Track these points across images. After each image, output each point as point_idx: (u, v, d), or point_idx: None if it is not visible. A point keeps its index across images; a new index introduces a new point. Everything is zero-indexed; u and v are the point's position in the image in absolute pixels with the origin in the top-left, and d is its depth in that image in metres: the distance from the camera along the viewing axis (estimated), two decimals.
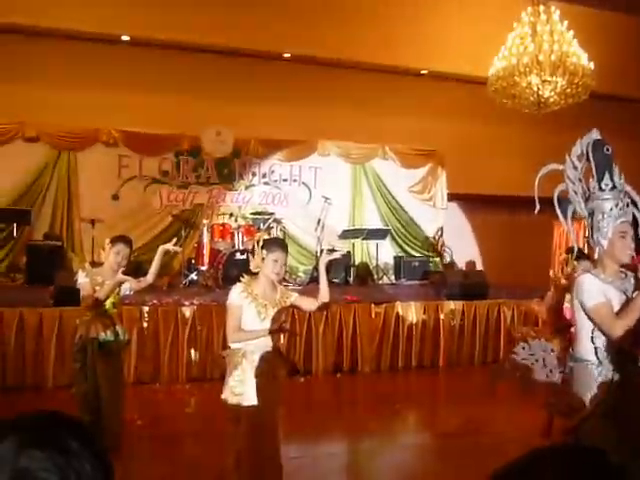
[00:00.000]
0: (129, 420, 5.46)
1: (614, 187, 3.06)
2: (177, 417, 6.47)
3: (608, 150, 3.09)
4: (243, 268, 4.78)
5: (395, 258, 11.74)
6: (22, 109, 10.10)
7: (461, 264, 12.15)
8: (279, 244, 4.02)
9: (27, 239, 10.14)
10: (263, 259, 3.79)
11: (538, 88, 10.20)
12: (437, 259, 12.04)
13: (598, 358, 2.98)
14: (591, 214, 3.10)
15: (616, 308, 2.99)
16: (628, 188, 3.13)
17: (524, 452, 0.91)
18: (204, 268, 9.67)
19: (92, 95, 10.36)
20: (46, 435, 0.81)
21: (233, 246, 9.68)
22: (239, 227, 9.96)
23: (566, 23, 10.20)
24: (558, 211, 3.14)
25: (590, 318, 2.98)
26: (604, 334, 2.95)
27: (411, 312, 8.29)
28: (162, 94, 10.74)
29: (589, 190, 3.12)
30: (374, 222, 12.05)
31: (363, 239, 11.34)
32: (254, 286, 3.80)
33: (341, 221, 11.68)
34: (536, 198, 3.25)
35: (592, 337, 3.00)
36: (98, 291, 4.76)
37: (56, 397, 6.55)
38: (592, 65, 10.07)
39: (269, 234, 10.23)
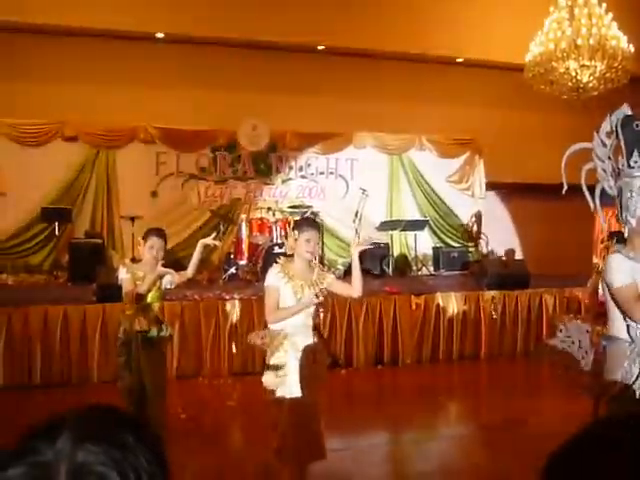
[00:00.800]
0: (173, 414, 5.53)
1: None
2: (220, 410, 6.53)
3: (638, 126, 3.00)
4: None
5: (434, 249, 11.66)
6: (61, 109, 10.26)
7: (501, 254, 12.02)
8: (310, 223, 4.04)
9: (69, 237, 10.30)
10: (296, 240, 3.82)
11: (576, 73, 10.03)
12: (476, 249, 11.92)
13: (630, 336, 2.94)
14: (620, 192, 3.04)
15: None
16: None
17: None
18: (243, 262, 9.72)
19: (129, 93, 10.49)
20: (102, 429, 0.81)
21: (271, 240, 9.71)
22: (277, 221, 9.99)
23: (604, 6, 10.01)
24: (586, 191, 3.08)
25: (613, 299, 2.93)
26: (626, 316, 2.89)
27: (451, 303, 8.23)
28: (197, 90, 10.80)
29: (618, 168, 3.05)
30: (412, 213, 11.98)
31: (401, 230, 11.28)
32: (290, 267, 3.83)
33: (379, 213, 11.63)
34: (564, 179, 3.20)
35: (624, 315, 2.96)
36: (139, 286, 4.80)
37: (101, 392, 6.65)
38: (632, 48, 9.87)
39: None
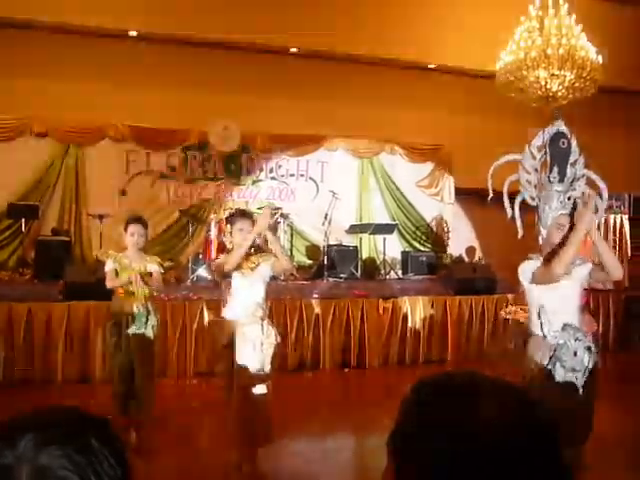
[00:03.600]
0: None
1: (561, 180, 3.16)
2: (185, 411, 6.50)
3: (564, 144, 3.18)
4: None
5: (402, 253, 11.72)
6: (30, 104, 10.12)
7: (467, 258, 12.14)
8: (240, 213, 4.19)
9: (35, 234, 10.17)
10: (230, 233, 3.97)
11: (546, 82, 10.17)
12: (444, 254, 12.01)
13: (543, 332, 3.20)
14: (539, 204, 3.28)
15: (556, 293, 3.19)
16: (588, 173, 3.26)
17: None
18: (212, 263, 9.68)
19: (100, 90, 10.38)
20: (66, 432, 0.81)
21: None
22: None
23: (574, 17, 10.16)
24: (506, 200, 3.27)
25: (539, 284, 3.18)
26: (550, 280, 3.11)
27: (419, 307, 8.29)
28: (170, 89, 10.74)
29: (542, 181, 3.23)
30: (381, 217, 12.03)
31: (370, 234, 11.33)
32: (231, 259, 4.03)
33: (348, 216, 11.66)
34: (489, 187, 3.40)
35: (539, 313, 3.21)
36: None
37: (66, 392, 6.59)
38: (600, 59, 10.04)
39: (276, 229, 10.24)
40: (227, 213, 8.80)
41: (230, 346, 3.93)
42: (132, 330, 5.05)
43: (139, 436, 5.15)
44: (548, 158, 3.23)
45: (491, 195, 3.38)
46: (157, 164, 11.00)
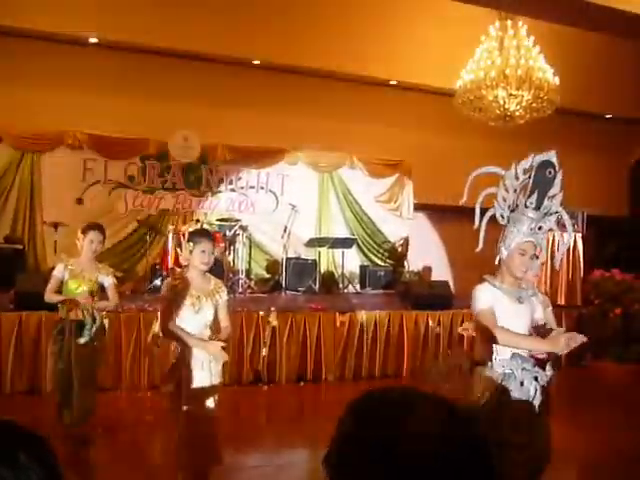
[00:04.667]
0: (88, 428, 5.39)
1: (537, 208, 3.16)
2: (138, 425, 6.40)
3: (550, 173, 3.19)
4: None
5: (361, 267, 11.77)
6: None
7: (426, 274, 12.22)
8: (204, 234, 4.08)
9: None
10: (191, 251, 3.83)
11: (504, 102, 10.36)
12: (403, 269, 12.08)
13: (490, 361, 3.13)
14: (507, 224, 3.22)
15: (508, 314, 3.14)
16: (562, 212, 3.25)
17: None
18: (169, 274, 9.58)
19: (58, 97, 10.23)
20: None
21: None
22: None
23: (532, 39, 10.38)
24: (477, 210, 3.25)
25: (478, 321, 3.11)
26: (488, 339, 3.08)
27: (376, 321, 8.30)
28: (129, 98, 10.64)
29: (517, 204, 3.22)
30: (340, 231, 12.06)
31: (329, 248, 11.35)
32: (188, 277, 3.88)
33: (308, 229, 11.67)
34: (465, 196, 3.37)
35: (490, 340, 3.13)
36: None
37: (14, 403, 6.43)
38: (557, 81, 10.25)
39: (235, 241, 10.20)
40: (191, 229, 8.77)
41: (177, 366, 3.82)
42: (77, 338, 4.97)
43: (81, 449, 5.06)
44: (530, 183, 3.18)
45: (465, 198, 3.36)
46: (115, 173, 10.86)
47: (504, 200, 3.24)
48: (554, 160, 3.23)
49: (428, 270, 12.47)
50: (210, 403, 3.83)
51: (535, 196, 3.16)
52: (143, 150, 10.99)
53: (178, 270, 3.97)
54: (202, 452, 3.79)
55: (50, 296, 5.15)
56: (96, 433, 5.52)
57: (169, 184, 11.19)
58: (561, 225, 3.50)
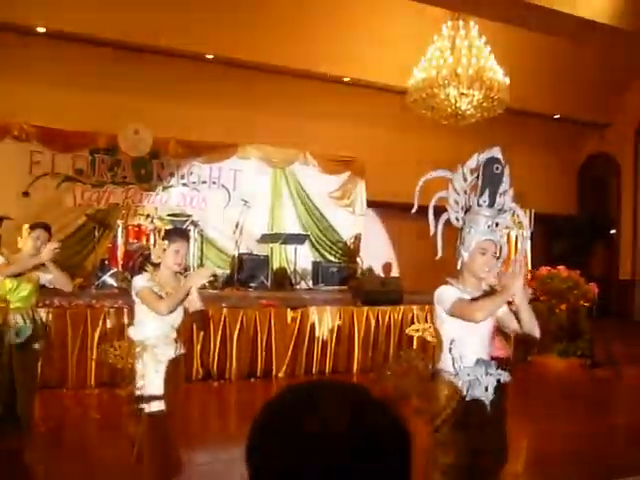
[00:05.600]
0: (34, 426, 5.28)
1: (491, 205, 3.14)
2: (84, 423, 6.29)
3: (498, 169, 3.17)
4: None
5: (313, 263, 11.77)
6: None
7: (379, 270, 12.29)
8: (181, 234, 3.98)
9: None
10: (164, 250, 3.74)
11: (456, 100, 10.46)
12: (355, 265, 12.13)
13: (455, 369, 3.08)
14: (463, 226, 3.19)
15: (471, 328, 3.08)
16: (516, 208, 3.24)
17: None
18: (118, 269, 9.43)
19: (4, 88, 9.95)
20: None
21: (148, 248, 9.46)
22: (155, 228, 9.77)
23: (484, 39, 10.50)
24: (431, 217, 3.20)
25: (454, 316, 3.06)
26: (468, 320, 3.02)
27: (326, 317, 8.32)
28: (79, 90, 10.44)
29: (469, 204, 3.20)
30: (293, 227, 12.04)
31: (281, 244, 11.33)
32: (159, 276, 3.75)
33: (260, 225, 11.62)
34: (416, 200, 3.32)
35: (450, 348, 3.10)
36: (9, 266, 4.72)
37: None
38: (507, 81, 10.39)
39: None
40: (168, 226, 8.65)
41: (135, 369, 3.71)
42: (15, 343, 4.78)
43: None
44: (480, 182, 3.15)
45: (415, 208, 3.32)
46: (63, 166, 10.63)
47: (456, 203, 3.21)
48: (499, 156, 3.23)
49: (388, 267, 12.55)
50: (160, 403, 3.72)
51: (487, 194, 3.14)
52: (92, 143, 10.79)
53: (151, 267, 3.82)
54: (164, 460, 3.70)
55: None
56: (40, 432, 5.41)
57: (119, 178, 11.00)
58: (517, 222, 3.51)
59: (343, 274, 11.45)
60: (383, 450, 0.90)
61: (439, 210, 3.23)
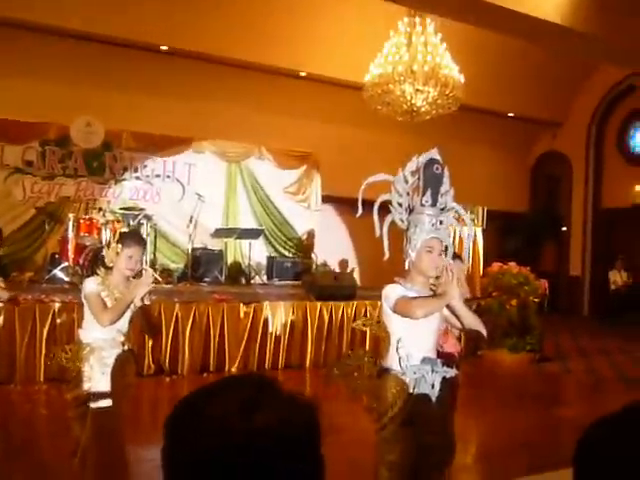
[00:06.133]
0: None
1: (434, 204, 3.19)
2: (32, 420, 6.18)
3: (438, 169, 3.24)
4: None
5: (268, 258, 11.75)
6: None
7: (336, 266, 12.32)
8: (136, 239, 3.90)
9: None
10: (118, 253, 3.68)
11: (411, 97, 10.53)
12: (310, 260, 12.14)
13: (402, 367, 3.11)
14: (408, 227, 3.24)
15: (417, 326, 3.13)
16: (457, 207, 3.30)
17: None
18: (69, 264, 9.28)
19: None
20: None
21: (100, 241, 9.34)
22: (107, 222, 9.63)
23: (440, 36, 10.58)
24: (376, 218, 3.25)
25: (397, 313, 3.11)
26: (408, 317, 3.06)
27: (280, 312, 8.30)
28: (29, 80, 10.22)
29: (412, 205, 3.25)
30: (248, 221, 12.00)
31: (236, 238, 11.27)
32: (109, 280, 3.69)
33: (214, 219, 11.55)
34: (359, 202, 3.37)
35: (397, 348, 3.13)
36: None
37: None
38: (462, 78, 10.49)
39: (133, 229, 9.96)
40: (124, 229, 8.52)
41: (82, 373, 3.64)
42: None
43: None
44: (421, 182, 3.20)
45: (360, 212, 3.36)
46: (12, 158, 10.40)
47: (400, 204, 3.26)
48: (438, 157, 3.29)
49: (344, 262, 12.58)
50: (113, 402, 3.65)
51: (429, 193, 3.19)
52: (42, 134, 10.58)
53: (103, 270, 3.74)
54: (109, 462, 3.64)
55: None
56: None
57: (70, 170, 10.81)
58: (460, 220, 3.57)
59: (298, 269, 11.45)
60: (292, 444, 0.90)
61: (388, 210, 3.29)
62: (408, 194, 3.27)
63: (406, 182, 3.26)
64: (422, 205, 3.19)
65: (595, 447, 0.94)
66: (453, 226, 3.49)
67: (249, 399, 0.91)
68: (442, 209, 3.22)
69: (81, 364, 3.61)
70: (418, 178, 3.23)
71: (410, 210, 3.25)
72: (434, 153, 3.29)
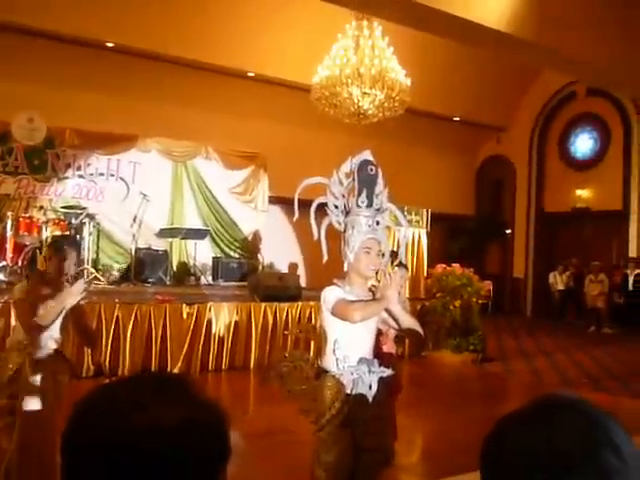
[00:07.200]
0: None
1: (370, 205, 3.21)
2: None
3: (372, 170, 3.26)
4: None
5: (213, 259, 11.66)
6: None
7: (283, 267, 12.28)
8: (69, 244, 3.83)
9: None
10: (51, 258, 3.60)
11: (358, 99, 10.58)
12: (256, 261, 12.10)
13: (339, 369, 3.12)
14: (345, 229, 3.24)
15: (353, 328, 3.13)
16: (392, 207, 3.32)
17: None
18: (7, 263, 9.05)
19: None
20: None
21: (40, 241, 9.14)
22: (48, 221, 9.43)
23: (387, 39, 10.66)
24: (313, 222, 3.26)
25: (335, 316, 3.10)
26: (346, 320, 3.07)
27: (224, 313, 8.24)
28: None
29: (349, 206, 3.26)
30: (194, 222, 11.90)
31: (182, 238, 11.17)
32: (43, 286, 3.60)
33: (159, 219, 11.41)
34: (295, 206, 3.37)
35: (334, 349, 3.12)
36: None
37: None
38: (409, 82, 10.59)
39: (81, 229, 9.79)
40: (56, 232, 8.34)
41: (15, 380, 3.53)
42: None
43: None
44: (356, 184, 3.20)
45: (297, 215, 3.35)
46: None
47: (336, 207, 3.27)
48: (371, 158, 3.31)
49: (293, 264, 12.54)
50: (35, 401, 3.56)
51: (364, 194, 3.21)
52: None
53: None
54: (37, 468, 3.53)
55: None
56: None
57: (11, 168, 10.55)
58: (396, 220, 3.59)
59: (243, 270, 11.41)
60: (203, 446, 0.89)
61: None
62: (344, 196, 3.27)
63: (341, 184, 3.27)
64: (358, 206, 3.20)
65: (502, 441, 0.95)
66: (391, 227, 3.51)
67: (135, 399, 0.90)
68: (378, 209, 3.24)
69: (11, 372, 3.51)
70: (353, 179, 3.24)
71: (347, 212, 3.25)
72: (367, 154, 3.30)
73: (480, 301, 10.14)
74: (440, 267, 10.12)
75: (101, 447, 0.85)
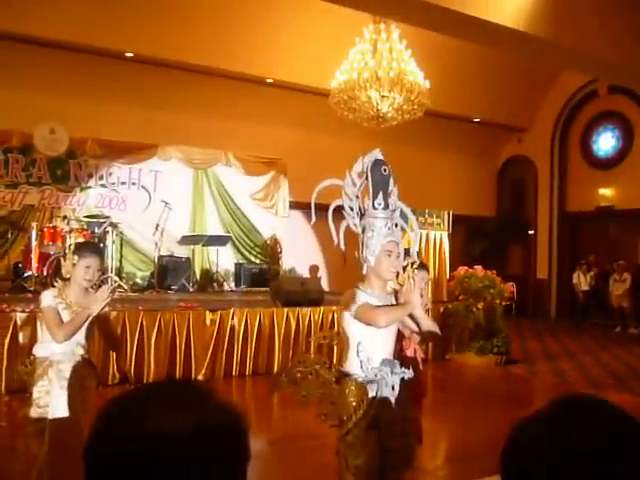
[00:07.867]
0: None
1: (386, 207, 3.18)
2: None
3: (385, 171, 3.22)
4: None
5: (235, 265, 11.71)
6: None
7: (304, 271, 12.30)
8: (92, 249, 3.85)
9: None
10: (74, 264, 3.62)
11: (377, 103, 10.57)
12: (278, 266, 12.12)
13: (363, 371, 3.10)
14: (363, 231, 3.20)
15: (376, 331, 3.11)
16: (403, 206, 3.28)
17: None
18: (32, 273, 9.15)
19: None
20: None
21: (64, 250, 9.23)
22: (71, 230, 9.53)
23: (405, 42, 10.65)
24: (332, 226, 3.22)
25: (359, 320, 3.08)
26: (371, 325, 3.06)
27: (247, 319, 8.26)
28: None
29: (364, 208, 3.22)
30: (215, 228, 11.96)
31: (203, 245, 11.23)
32: (67, 292, 3.63)
33: (181, 226, 11.49)
34: (312, 210, 3.33)
35: (358, 351, 3.10)
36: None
37: None
38: (427, 84, 10.56)
39: (104, 238, 9.88)
40: (80, 239, 8.42)
41: (42, 387, 3.57)
42: None
43: None
44: (370, 185, 3.17)
45: (314, 219, 3.32)
46: None
47: (351, 209, 3.23)
48: (382, 157, 3.27)
49: (315, 268, 12.55)
50: (70, 412, 3.58)
51: (380, 196, 3.18)
52: (5, 142, 10.47)
53: (60, 282, 3.68)
54: (65, 461, 3.56)
55: None
56: None
57: (34, 179, 10.70)
58: (405, 219, 3.56)
59: (265, 275, 11.43)
60: (218, 450, 0.90)
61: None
62: (357, 197, 3.24)
63: (354, 185, 3.24)
64: (375, 208, 3.18)
65: (517, 444, 0.95)
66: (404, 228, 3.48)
67: (147, 407, 0.91)
68: (393, 211, 3.22)
69: (40, 379, 3.55)
70: (366, 179, 3.22)
71: (362, 213, 3.23)
72: (377, 153, 3.27)
73: (503, 303, 10.06)
74: (462, 269, 10.06)
75: (116, 454, 0.86)
